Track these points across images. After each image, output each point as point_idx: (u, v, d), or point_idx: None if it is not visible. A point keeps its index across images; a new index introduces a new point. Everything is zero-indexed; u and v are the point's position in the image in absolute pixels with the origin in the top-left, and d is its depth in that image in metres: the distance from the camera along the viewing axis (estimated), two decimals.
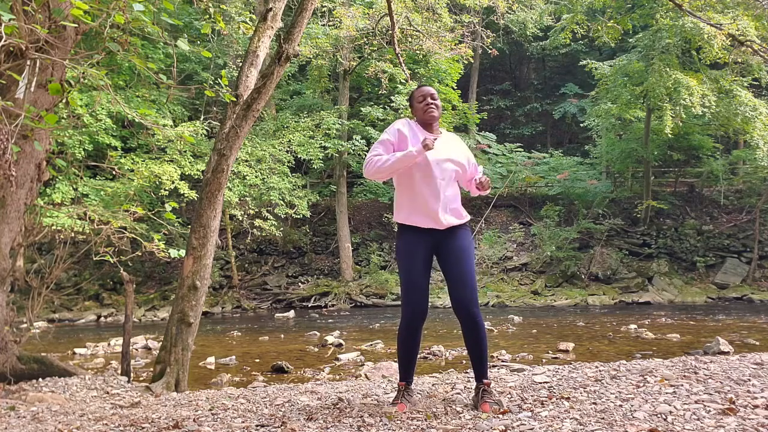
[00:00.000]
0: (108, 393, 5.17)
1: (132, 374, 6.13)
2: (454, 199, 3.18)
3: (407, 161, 3.03)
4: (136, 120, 4.70)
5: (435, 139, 3.05)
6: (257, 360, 8.33)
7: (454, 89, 19.49)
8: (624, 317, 12.83)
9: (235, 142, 5.58)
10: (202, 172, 10.35)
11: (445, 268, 3.16)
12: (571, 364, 4.65)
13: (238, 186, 15.70)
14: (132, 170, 14.00)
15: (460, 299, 3.07)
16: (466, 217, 3.23)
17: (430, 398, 3.36)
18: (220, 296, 17.63)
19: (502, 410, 2.89)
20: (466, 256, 3.14)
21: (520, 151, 22.51)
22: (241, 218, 16.39)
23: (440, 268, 3.19)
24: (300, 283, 18.72)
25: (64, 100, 4.55)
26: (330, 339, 9.81)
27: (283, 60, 5.45)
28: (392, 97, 17.91)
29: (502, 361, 7.11)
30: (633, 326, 10.69)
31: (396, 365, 6.53)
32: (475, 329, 3.07)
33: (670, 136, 17.16)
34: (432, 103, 3.22)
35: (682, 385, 3.11)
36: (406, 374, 3.23)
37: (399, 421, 2.83)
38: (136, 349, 9.46)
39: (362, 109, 18.96)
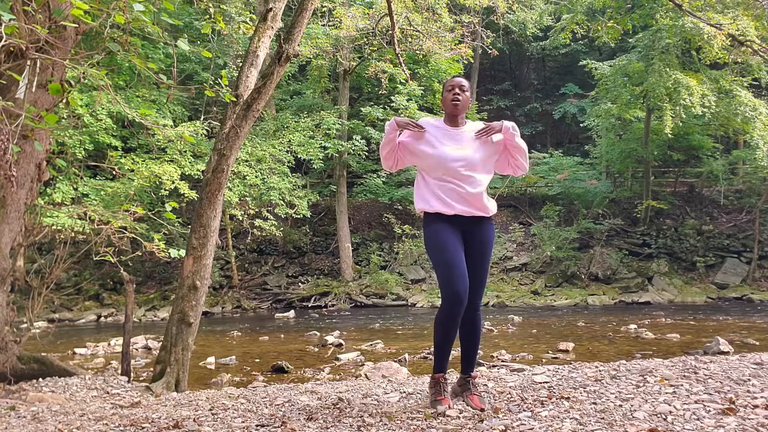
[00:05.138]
0: (108, 393, 5.17)
1: (132, 374, 6.13)
2: (475, 194, 3.07)
3: (386, 139, 3.13)
4: (137, 120, 4.70)
5: (409, 123, 3.12)
6: (257, 360, 8.33)
7: None
8: (624, 317, 12.82)
9: (235, 142, 5.59)
10: (202, 172, 10.34)
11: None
12: (571, 364, 4.65)
13: (238, 186, 15.69)
14: (132, 170, 13.98)
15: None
16: (490, 211, 3.12)
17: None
18: (220, 296, 17.63)
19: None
20: (485, 251, 3.12)
21: None
22: (241, 218, 16.39)
23: None
24: (300, 283, 18.72)
25: (64, 100, 4.56)
26: (330, 339, 9.81)
27: (283, 60, 5.46)
28: (392, 97, 17.89)
29: (502, 361, 7.11)
30: (633, 326, 10.68)
31: (396, 365, 6.55)
32: (472, 323, 3.13)
33: (670, 136, 17.14)
34: (458, 95, 3.11)
35: (682, 385, 3.11)
36: (444, 365, 3.10)
37: (399, 421, 2.83)
38: (136, 349, 9.46)
39: (362, 109, 18.95)
